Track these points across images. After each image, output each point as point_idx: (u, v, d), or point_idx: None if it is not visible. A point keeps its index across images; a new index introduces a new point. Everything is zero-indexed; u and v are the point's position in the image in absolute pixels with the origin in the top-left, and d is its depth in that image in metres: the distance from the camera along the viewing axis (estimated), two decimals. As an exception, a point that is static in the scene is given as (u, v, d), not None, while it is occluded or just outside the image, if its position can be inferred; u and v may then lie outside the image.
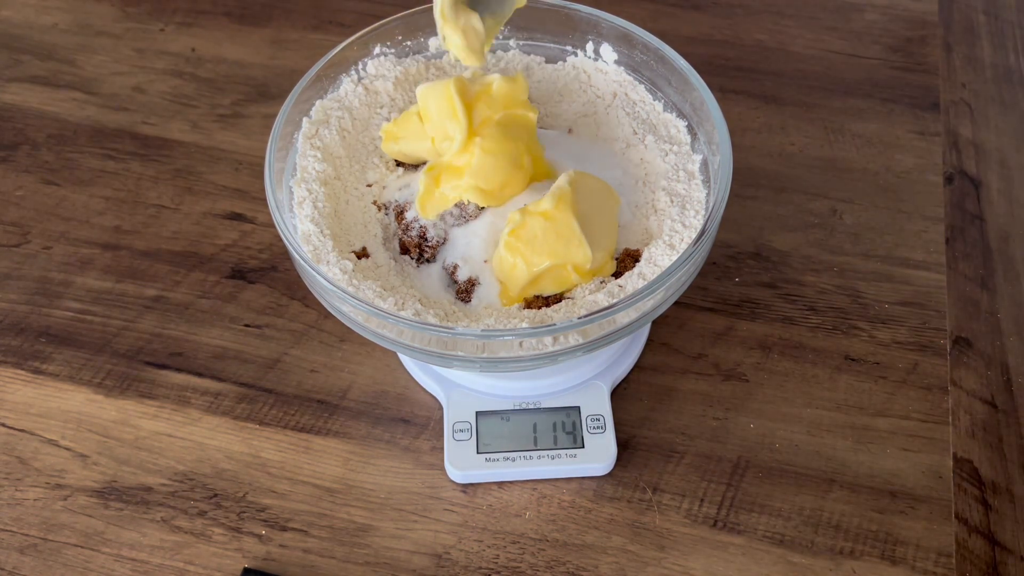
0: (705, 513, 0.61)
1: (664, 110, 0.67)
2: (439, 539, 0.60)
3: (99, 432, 0.65)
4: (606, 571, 0.59)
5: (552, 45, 0.70)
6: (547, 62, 0.70)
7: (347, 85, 0.67)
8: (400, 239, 0.62)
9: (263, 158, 0.63)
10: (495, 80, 0.61)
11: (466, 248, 0.61)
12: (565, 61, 0.70)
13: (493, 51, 0.70)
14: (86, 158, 0.80)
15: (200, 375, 0.68)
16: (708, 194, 0.62)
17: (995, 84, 0.86)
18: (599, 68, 0.69)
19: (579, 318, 0.54)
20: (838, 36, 0.89)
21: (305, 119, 0.64)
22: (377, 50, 0.68)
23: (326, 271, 0.57)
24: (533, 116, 0.62)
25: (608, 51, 0.69)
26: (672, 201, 0.62)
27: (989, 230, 0.76)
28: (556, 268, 0.58)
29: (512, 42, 0.70)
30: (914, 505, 0.61)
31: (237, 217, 0.76)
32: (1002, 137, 0.82)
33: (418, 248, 0.61)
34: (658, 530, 0.60)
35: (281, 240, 0.75)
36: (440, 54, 0.69)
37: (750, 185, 0.78)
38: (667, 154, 0.64)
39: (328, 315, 0.69)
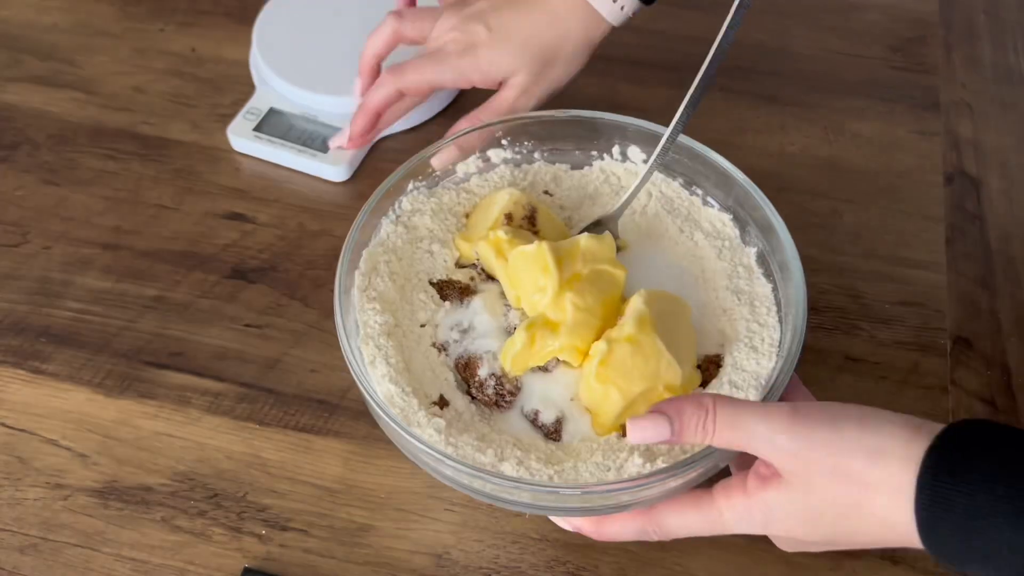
0: (705, 513, 0.61)
1: (703, 205, 0.67)
2: (439, 539, 0.60)
3: (99, 432, 0.65)
4: (606, 571, 0.59)
5: (577, 152, 0.70)
6: (572, 168, 0.70)
7: (387, 227, 0.65)
8: (473, 395, 0.60)
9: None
10: (582, 238, 0.60)
11: (544, 391, 0.59)
12: (591, 166, 0.69)
13: (518, 164, 0.69)
14: (86, 158, 0.80)
15: (200, 375, 0.68)
16: (774, 289, 0.62)
17: (995, 84, 0.86)
18: (628, 169, 0.69)
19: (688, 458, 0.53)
20: (838, 36, 0.89)
21: (357, 272, 0.62)
22: (410, 186, 0.66)
23: (420, 433, 0.55)
24: (622, 274, 0.60)
25: (636, 152, 0.68)
26: (739, 300, 0.62)
27: (989, 230, 0.76)
28: (649, 391, 0.57)
29: (536, 154, 0.69)
30: (914, 505, 0.61)
31: (237, 217, 0.76)
32: (1002, 137, 0.82)
33: (495, 404, 0.60)
34: (658, 530, 0.60)
35: (282, 240, 0.75)
36: (467, 177, 0.68)
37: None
38: (721, 250, 0.64)
39: (329, 315, 0.69)
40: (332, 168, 0.78)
